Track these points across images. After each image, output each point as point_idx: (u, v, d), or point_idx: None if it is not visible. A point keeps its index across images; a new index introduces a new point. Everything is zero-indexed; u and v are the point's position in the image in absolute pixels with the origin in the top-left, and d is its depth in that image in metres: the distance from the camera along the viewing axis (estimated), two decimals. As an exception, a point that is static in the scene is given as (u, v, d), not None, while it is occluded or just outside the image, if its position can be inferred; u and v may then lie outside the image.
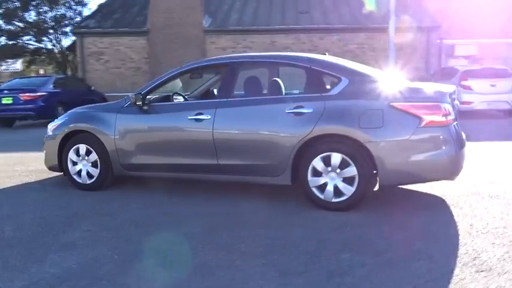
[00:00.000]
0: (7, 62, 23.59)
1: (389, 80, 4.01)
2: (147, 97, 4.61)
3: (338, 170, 3.81)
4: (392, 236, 3.28)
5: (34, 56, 24.14)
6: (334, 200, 3.86)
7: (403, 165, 3.69)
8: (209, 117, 4.22)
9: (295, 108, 3.93)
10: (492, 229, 3.37)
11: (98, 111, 4.82)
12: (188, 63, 4.63)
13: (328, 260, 2.89)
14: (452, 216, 3.71)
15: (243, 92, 4.42)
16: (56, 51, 23.73)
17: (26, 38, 22.80)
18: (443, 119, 3.64)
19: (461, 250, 3.00)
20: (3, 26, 21.81)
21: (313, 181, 3.91)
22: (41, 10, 22.53)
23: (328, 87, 4.01)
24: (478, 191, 4.47)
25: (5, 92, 11.92)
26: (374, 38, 17.88)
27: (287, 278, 2.63)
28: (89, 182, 4.83)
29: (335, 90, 3.92)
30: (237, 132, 4.15)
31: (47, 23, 22.82)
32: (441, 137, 3.64)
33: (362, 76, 3.96)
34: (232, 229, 3.52)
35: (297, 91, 4.27)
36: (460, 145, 3.78)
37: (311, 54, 4.53)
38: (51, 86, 12.46)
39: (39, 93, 11.77)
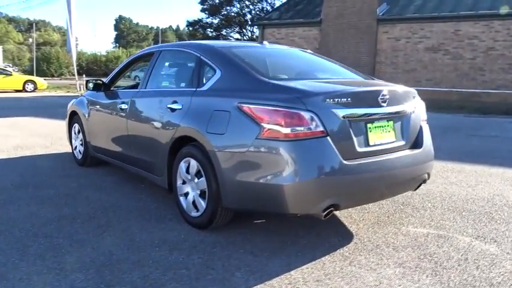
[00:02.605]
0: None
1: (278, 76, 3.10)
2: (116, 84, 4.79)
3: (196, 180, 3.21)
4: (169, 269, 2.62)
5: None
6: (193, 214, 3.27)
7: (240, 186, 2.83)
8: (126, 106, 4.11)
9: (172, 103, 3.46)
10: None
11: (86, 95, 5.24)
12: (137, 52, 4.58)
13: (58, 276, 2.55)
14: (299, 266, 2.67)
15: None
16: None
17: (226, 30, 25.66)
18: (287, 130, 2.60)
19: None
20: (205, 19, 25.10)
21: (180, 188, 3.40)
22: (243, 4, 24.96)
23: (204, 80, 3.36)
24: (426, 243, 3.02)
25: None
26: None
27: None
28: (79, 158, 5.35)
29: (207, 85, 3.27)
30: (139, 124, 3.93)
31: (246, 16, 25.15)
32: (279, 154, 2.63)
33: (237, 68, 3.16)
34: (72, 223, 3.40)
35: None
36: (316, 171, 2.64)
37: (225, 41, 3.84)
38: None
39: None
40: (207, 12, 25.23)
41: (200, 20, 26.13)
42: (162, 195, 4.08)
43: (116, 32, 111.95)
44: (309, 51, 4.25)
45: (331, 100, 2.71)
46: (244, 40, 26.47)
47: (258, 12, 25.42)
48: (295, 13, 19.93)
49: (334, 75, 3.62)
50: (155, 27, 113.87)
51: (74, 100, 5.72)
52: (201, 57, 3.45)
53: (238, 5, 24.72)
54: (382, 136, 2.98)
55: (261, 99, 2.76)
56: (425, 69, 16.57)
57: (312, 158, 2.63)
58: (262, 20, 20.84)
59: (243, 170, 2.80)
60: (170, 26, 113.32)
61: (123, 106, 4.14)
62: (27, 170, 5.13)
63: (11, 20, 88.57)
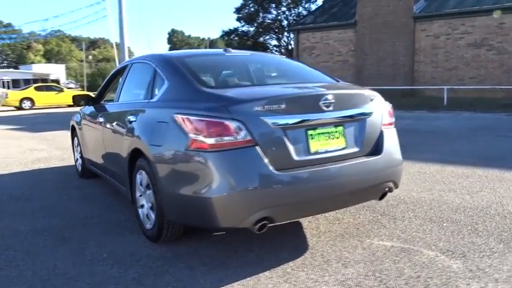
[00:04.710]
0: None
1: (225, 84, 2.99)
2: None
3: (147, 192, 3.18)
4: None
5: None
6: (147, 226, 3.23)
7: (176, 199, 2.75)
8: (102, 120, 4.17)
9: (130, 115, 3.46)
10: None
11: (82, 110, 5.38)
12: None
13: (-12, 288, 2.60)
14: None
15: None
16: (285, 47, 25.79)
17: (264, 37, 25.61)
18: (212, 140, 2.49)
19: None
20: (240, 28, 25.18)
21: (138, 200, 3.38)
22: (280, 11, 24.83)
23: (156, 92, 3.31)
24: (384, 257, 2.78)
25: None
26: None
27: None
28: (79, 170, 5.52)
29: (157, 96, 3.23)
30: (109, 136, 3.96)
31: (283, 22, 24.99)
32: (205, 166, 2.52)
33: (180, 78, 3.08)
34: (39, 236, 3.48)
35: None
36: (244, 182, 2.49)
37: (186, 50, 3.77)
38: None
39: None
40: (242, 20, 25.37)
41: (236, 29, 26.30)
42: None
43: (169, 45, 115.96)
44: (283, 57, 4.10)
45: (261, 107, 2.56)
46: (280, 47, 26.35)
47: (294, 18, 25.20)
48: (329, 16, 19.56)
49: (290, 80, 3.45)
50: (206, 38, 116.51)
51: (74, 115, 5.92)
52: (156, 68, 3.42)
53: (274, 12, 24.67)
54: (328, 143, 2.78)
55: (192, 109, 2.67)
56: (468, 66, 15.61)
57: (239, 169, 2.50)
58: (296, 25, 20.64)
59: (177, 182, 2.72)
60: (221, 36, 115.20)
61: (101, 119, 4.21)
62: (30, 182, 5.34)
63: (73, 40, 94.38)
